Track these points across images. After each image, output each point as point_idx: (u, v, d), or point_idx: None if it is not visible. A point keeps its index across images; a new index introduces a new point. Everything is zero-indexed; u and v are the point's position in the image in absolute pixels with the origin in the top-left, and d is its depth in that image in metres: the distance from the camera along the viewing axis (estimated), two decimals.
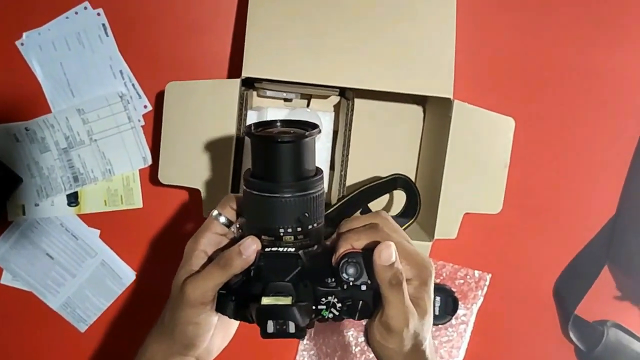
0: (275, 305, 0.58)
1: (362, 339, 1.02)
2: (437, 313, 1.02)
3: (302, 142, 0.59)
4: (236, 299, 0.62)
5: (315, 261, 0.61)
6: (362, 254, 0.61)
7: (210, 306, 0.63)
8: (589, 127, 1.02)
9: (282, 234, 0.60)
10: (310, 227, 0.60)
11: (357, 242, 0.62)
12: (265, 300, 0.58)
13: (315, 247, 0.62)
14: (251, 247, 0.60)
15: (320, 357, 1.02)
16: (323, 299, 0.61)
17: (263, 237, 0.61)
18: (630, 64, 1.02)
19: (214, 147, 0.84)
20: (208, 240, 0.65)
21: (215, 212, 0.66)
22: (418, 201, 0.89)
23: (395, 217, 0.86)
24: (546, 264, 1.05)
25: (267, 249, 0.60)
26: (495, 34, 0.99)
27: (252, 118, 0.90)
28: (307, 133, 0.59)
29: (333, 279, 0.61)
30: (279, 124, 0.63)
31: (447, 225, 0.89)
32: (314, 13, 0.85)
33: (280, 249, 0.60)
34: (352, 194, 0.87)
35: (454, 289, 1.02)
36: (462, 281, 1.04)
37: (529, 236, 1.04)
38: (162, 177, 0.85)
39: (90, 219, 0.97)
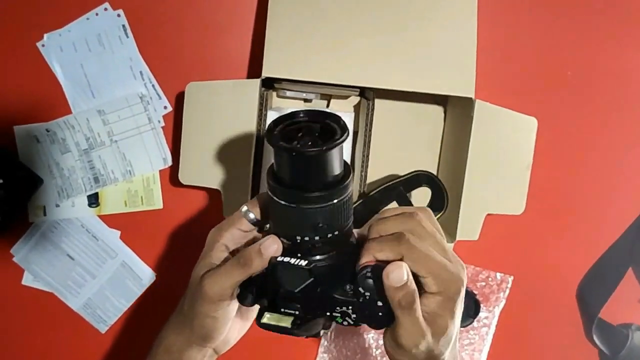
0: (274, 325, 0.59)
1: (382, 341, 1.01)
2: None
3: (328, 152, 0.55)
4: (256, 291, 0.61)
5: (335, 268, 0.60)
6: (383, 267, 0.58)
7: (228, 301, 0.62)
8: (612, 127, 1.01)
9: (298, 241, 0.58)
10: (329, 235, 0.58)
11: (380, 254, 0.58)
12: (265, 319, 0.60)
13: (335, 252, 0.60)
14: (272, 247, 0.59)
15: (340, 359, 1.02)
16: (338, 307, 0.60)
17: (282, 239, 0.60)
18: None
19: (234, 148, 0.84)
20: (232, 235, 0.64)
21: (244, 208, 0.65)
22: (445, 195, 0.87)
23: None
24: (569, 266, 1.04)
25: (279, 259, 0.59)
26: (516, 32, 0.98)
27: (272, 118, 0.89)
28: (334, 142, 0.54)
29: (351, 287, 0.59)
30: (302, 115, 0.58)
31: (469, 226, 0.88)
32: (334, 13, 0.84)
33: (292, 261, 0.58)
34: (374, 192, 0.86)
35: (475, 292, 1.01)
36: (484, 283, 1.02)
37: (551, 238, 1.03)
38: (183, 177, 0.85)
39: (110, 220, 0.97)
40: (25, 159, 0.93)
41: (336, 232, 0.58)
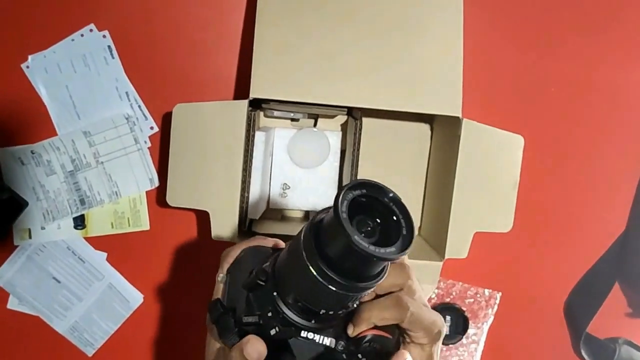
0: None
1: None
2: (447, 332, 1.01)
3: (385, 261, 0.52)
4: (242, 334, 0.58)
5: (337, 337, 0.59)
6: (383, 339, 0.59)
7: None
8: (597, 144, 1.02)
9: (322, 314, 0.55)
10: (349, 309, 0.56)
11: (382, 322, 0.59)
12: None
13: (341, 322, 0.59)
14: (254, 353, 0.55)
15: None
16: None
17: (299, 304, 0.55)
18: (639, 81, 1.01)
19: (222, 169, 0.83)
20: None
21: (220, 276, 0.63)
22: (412, 227, 0.87)
23: None
24: (556, 282, 1.04)
25: (302, 334, 0.56)
26: (502, 51, 0.99)
27: (259, 139, 0.90)
28: (397, 255, 0.49)
29: (343, 344, 0.58)
30: (391, 195, 0.52)
31: (458, 244, 0.88)
32: (321, 34, 0.85)
33: (316, 339, 0.56)
34: None
35: (464, 308, 1.01)
36: (472, 300, 1.03)
37: (538, 254, 1.03)
38: (170, 199, 0.84)
39: (97, 242, 0.96)
40: (9, 181, 0.92)
41: (353, 307, 0.57)
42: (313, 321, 0.56)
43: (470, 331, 1.03)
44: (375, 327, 0.60)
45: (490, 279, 1.03)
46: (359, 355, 0.58)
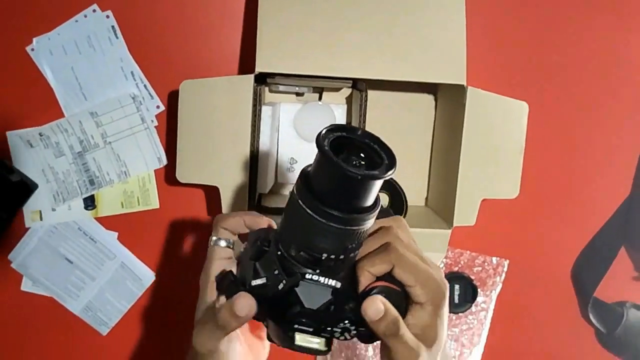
0: (309, 348, 0.58)
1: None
2: (456, 301, 1.02)
3: (375, 180, 0.53)
4: (262, 302, 0.60)
5: (344, 287, 0.60)
6: (389, 289, 0.59)
7: (221, 350, 0.62)
8: (600, 110, 1.03)
9: (324, 259, 0.57)
10: (351, 255, 0.58)
11: (374, 269, 0.60)
12: (300, 341, 0.58)
13: (344, 272, 0.60)
14: (244, 308, 0.57)
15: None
16: (341, 324, 0.60)
17: (302, 253, 0.57)
18: None
19: (231, 144, 0.84)
20: (217, 269, 0.64)
21: (213, 239, 0.65)
22: (403, 200, 0.89)
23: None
24: (563, 248, 1.05)
25: (307, 276, 0.58)
26: (505, 18, 0.99)
27: (266, 113, 0.90)
28: (386, 173, 0.52)
29: (351, 305, 0.59)
30: (359, 132, 0.56)
31: (466, 212, 0.89)
32: (324, 6, 0.85)
33: (322, 280, 0.58)
34: None
35: (472, 277, 1.02)
36: (480, 268, 1.04)
37: (545, 220, 1.04)
38: (180, 176, 0.85)
39: (107, 222, 0.97)
40: (19, 164, 0.93)
41: (354, 255, 0.59)
42: (318, 270, 0.58)
43: (479, 299, 1.04)
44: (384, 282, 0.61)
45: (498, 247, 1.04)
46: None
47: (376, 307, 0.57)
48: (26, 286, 0.97)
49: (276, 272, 0.58)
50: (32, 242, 0.95)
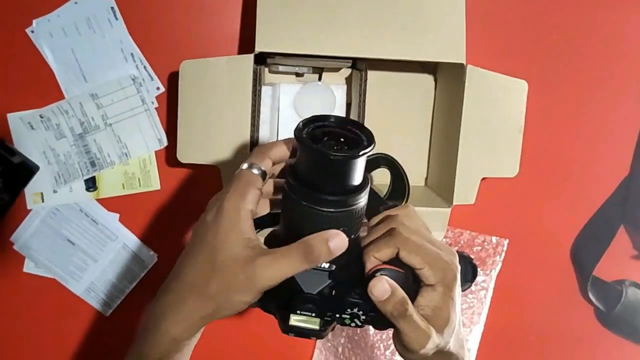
0: (302, 327, 0.59)
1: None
2: None
3: (356, 159, 0.56)
4: (263, 293, 0.60)
5: (346, 271, 0.61)
6: (392, 271, 0.60)
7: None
8: (600, 88, 1.03)
9: None
10: (350, 237, 0.59)
11: (379, 254, 0.61)
12: (294, 321, 0.59)
13: (346, 257, 0.60)
14: (341, 244, 0.56)
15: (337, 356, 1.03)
16: (348, 310, 0.61)
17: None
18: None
19: (231, 124, 0.84)
20: (253, 198, 0.59)
21: (245, 166, 0.60)
22: (405, 181, 0.89)
23: (384, 200, 0.87)
24: (563, 227, 1.06)
25: None
26: None
27: (266, 93, 0.91)
28: (365, 150, 0.55)
29: (358, 291, 0.61)
30: (333, 120, 0.59)
31: (465, 190, 0.89)
32: None
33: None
34: None
35: (472, 256, 1.03)
36: (480, 248, 1.04)
37: (544, 199, 1.05)
38: (181, 156, 0.85)
39: (109, 203, 0.97)
40: (20, 146, 0.93)
41: (354, 237, 0.60)
42: None
43: (479, 278, 1.04)
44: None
45: (498, 226, 1.04)
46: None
47: (382, 286, 0.58)
48: (28, 268, 0.97)
49: None
50: (34, 224, 0.96)
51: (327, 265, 0.60)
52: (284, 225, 0.61)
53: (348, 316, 0.61)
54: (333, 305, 0.61)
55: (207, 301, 0.58)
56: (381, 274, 0.60)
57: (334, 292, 0.61)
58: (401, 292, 0.59)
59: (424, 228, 0.65)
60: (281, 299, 0.60)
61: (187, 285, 0.59)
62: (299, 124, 0.57)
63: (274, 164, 0.62)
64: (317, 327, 0.59)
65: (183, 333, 0.60)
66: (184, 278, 0.60)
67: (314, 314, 0.59)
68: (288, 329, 0.60)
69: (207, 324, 0.60)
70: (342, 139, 0.58)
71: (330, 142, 0.57)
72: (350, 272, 0.62)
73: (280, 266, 0.56)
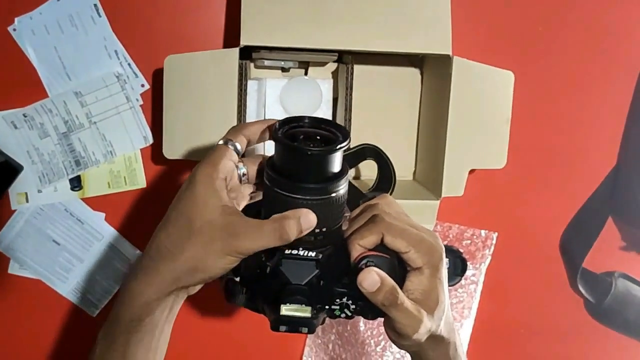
0: (294, 316, 0.58)
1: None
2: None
3: (334, 153, 0.58)
4: (248, 291, 0.62)
5: (332, 261, 0.61)
6: (377, 257, 0.61)
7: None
8: (586, 78, 1.03)
9: (304, 236, 0.59)
10: (334, 227, 0.60)
11: (363, 241, 0.61)
12: (285, 311, 0.58)
13: (330, 247, 0.61)
14: (311, 221, 0.57)
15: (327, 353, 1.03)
16: (337, 300, 0.61)
17: None
18: (627, 16, 1.02)
19: (217, 119, 0.84)
20: (226, 168, 0.60)
21: (220, 142, 0.63)
22: (391, 171, 0.89)
23: (369, 192, 0.87)
24: (551, 219, 1.06)
25: (286, 252, 0.60)
26: None
27: (252, 87, 0.90)
28: (338, 146, 0.57)
29: (346, 281, 0.61)
30: (307, 120, 0.61)
31: (454, 182, 0.89)
32: None
33: (301, 253, 0.60)
34: None
35: (461, 250, 1.03)
36: (469, 241, 1.04)
37: (533, 192, 1.05)
38: (167, 152, 0.85)
39: (94, 203, 0.96)
40: (3, 146, 0.92)
41: (334, 227, 0.61)
42: (300, 248, 0.60)
43: (468, 272, 1.04)
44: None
45: (486, 220, 1.04)
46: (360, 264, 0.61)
47: (371, 278, 0.58)
48: (13, 269, 0.96)
49: (263, 258, 0.60)
50: (18, 224, 0.95)
51: (313, 254, 0.60)
52: (266, 217, 0.60)
53: (337, 307, 0.61)
54: (322, 296, 0.60)
55: (182, 264, 0.58)
56: (368, 262, 0.60)
57: (321, 282, 0.60)
58: (390, 281, 0.59)
59: (404, 215, 0.65)
60: (268, 294, 0.60)
61: (163, 250, 0.59)
62: (274, 125, 0.59)
63: (248, 142, 0.64)
64: (309, 314, 0.58)
65: (154, 294, 0.59)
66: (158, 244, 0.60)
67: (302, 305, 0.59)
68: (279, 321, 0.59)
69: (178, 288, 0.60)
70: (318, 137, 0.59)
71: (307, 142, 0.59)
72: (336, 262, 0.62)
73: (255, 236, 0.56)
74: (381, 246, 0.61)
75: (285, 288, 0.59)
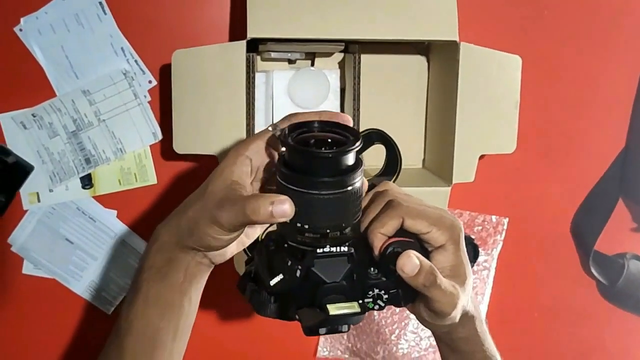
0: (344, 314, 0.57)
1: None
2: None
3: (347, 154, 0.55)
4: (278, 300, 0.60)
5: (359, 254, 0.60)
6: (403, 242, 0.60)
7: (238, 232, 0.59)
8: (594, 61, 1.03)
9: (329, 233, 0.57)
10: (354, 222, 0.58)
11: (385, 229, 0.61)
12: (334, 310, 0.56)
13: (353, 240, 0.60)
14: (284, 208, 0.55)
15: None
16: (370, 292, 0.61)
17: (307, 234, 0.57)
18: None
19: (226, 112, 0.84)
20: (257, 147, 0.60)
21: (271, 127, 0.60)
22: (397, 154, 0.89)
23: (377, 177, 0.87)
24: (562, 202, 1.06)
25: (318, 251, 0.58)
26: None
27: (260, 80, 0.90)
28: (355, 144, 0.55)
29: (376, 270, 0.61)
30: (316, 125, 0.58)
31: (464, 169, 0.89)
32: None
33: (333, 249, 0.58)
34: None
35: (473, 236, 1.03)
36: (480, 227, 1.04)
37: (542, 175, 1.05)
38: (177, 147, 0.85)
39: (106, 200, 0.96)
40: (13, 146, 0.92)
41: (357, 221, 0.59)
42: (328, 246, 0.58)
43: (480, 258, 1.04)
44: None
45: (497, 205, 1.04)
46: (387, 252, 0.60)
47: (412, 262, 0.58)
48: (27, 269, 0.96)
49: (289, 263, 0.59)
50: (30, 224, 0.95)
51: (345, 249, 0.59)
52: (290, 223, 0.58)
53: (370, 299, 0.61)
54: (356, 290, 0.60)
55: (185, 222, 0.60)
56: (395, 248, 0.60)
57: (354, 276, 0.60)
58: (427, 262, 0.59)
59: (414, 197, 0.66)
60: (303, 298, 0.59)
61: (182, 204, 0.63)
62: (284, 130, 0.56)
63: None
64: (358, 309, 0.57)
65: (167, 243, 0.63)
66: (181, 205, 0.63)
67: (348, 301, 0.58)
68: (327, 322, 0.57)
69: (188, 247, 0.61)
70: (329, 140, 0.57)
71: (318, 145, 0.56)
72: (362, 255, 0.61)
73: (233, 212, 0.56)
74: (400, 231, 0.61)
75: (322, 288, 0.58)
